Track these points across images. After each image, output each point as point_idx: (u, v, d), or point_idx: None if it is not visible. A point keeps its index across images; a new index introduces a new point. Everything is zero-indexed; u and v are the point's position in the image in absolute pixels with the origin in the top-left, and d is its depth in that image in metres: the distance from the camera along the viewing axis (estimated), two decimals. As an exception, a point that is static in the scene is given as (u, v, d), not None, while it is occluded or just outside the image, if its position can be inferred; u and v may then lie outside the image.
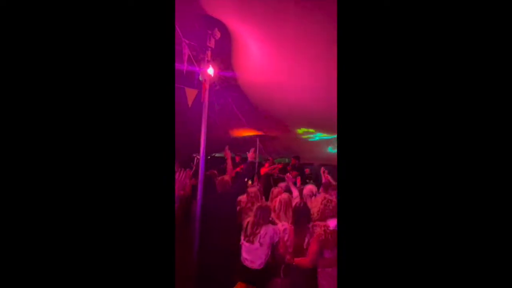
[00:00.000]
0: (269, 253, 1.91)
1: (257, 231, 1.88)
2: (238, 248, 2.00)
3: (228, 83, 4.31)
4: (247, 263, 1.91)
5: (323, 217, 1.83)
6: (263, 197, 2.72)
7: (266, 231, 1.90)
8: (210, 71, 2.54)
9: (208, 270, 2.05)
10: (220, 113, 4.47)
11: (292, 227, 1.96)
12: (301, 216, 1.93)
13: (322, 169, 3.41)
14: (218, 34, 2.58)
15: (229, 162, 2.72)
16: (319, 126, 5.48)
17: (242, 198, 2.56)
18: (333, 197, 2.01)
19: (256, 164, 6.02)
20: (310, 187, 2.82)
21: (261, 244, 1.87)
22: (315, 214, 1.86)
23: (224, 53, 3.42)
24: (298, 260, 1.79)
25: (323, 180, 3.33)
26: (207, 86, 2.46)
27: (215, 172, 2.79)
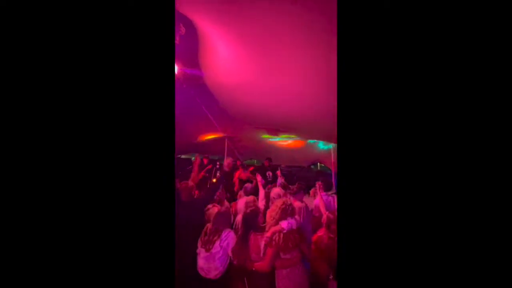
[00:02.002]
0: (227, 262, 1.78)
1: (214, 238, 1.76)
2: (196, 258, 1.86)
3: (196, 82, 4.16)
4: (202, 273, 1.77)
5: (279, 220, 1.81)
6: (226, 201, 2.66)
7: (225, 237, 1.78)
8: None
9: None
10: (187, 112, 4.29)
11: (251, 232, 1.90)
12: (254, 221, 1.90)
13: (279, 172, 3.48)
14: (183, 30, 2.46)
15: (195, 169, 2.62)
16: (292, 129, 5.55)
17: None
18: (293, 200, 2.01)
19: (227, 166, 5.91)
20: (276, 190, 2.83)
21: (217, 252, 1.74)
22: (270, 219, 1.84)
23: (191, 51, 3.27)
24: (256, 265, 1.77)
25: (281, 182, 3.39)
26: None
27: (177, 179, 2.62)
